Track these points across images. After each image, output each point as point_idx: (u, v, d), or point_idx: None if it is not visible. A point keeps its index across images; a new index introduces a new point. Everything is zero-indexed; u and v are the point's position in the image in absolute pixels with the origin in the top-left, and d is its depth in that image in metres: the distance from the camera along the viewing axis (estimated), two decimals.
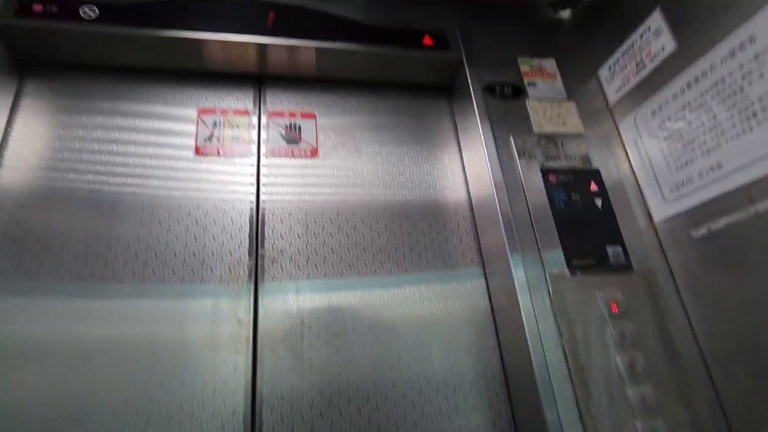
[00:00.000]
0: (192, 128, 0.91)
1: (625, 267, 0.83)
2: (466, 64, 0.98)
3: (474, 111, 0.93)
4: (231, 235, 0.83)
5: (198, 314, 0.77)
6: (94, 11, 0.83)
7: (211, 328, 0.76)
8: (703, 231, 0.78)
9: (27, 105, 0.86)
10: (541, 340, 0.74)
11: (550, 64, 1.04)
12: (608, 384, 0.73)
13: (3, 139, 0.81)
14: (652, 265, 0.84)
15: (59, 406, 0.67)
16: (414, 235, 0.92)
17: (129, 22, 0.84)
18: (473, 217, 0.96)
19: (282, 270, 0.83)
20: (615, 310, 0.78)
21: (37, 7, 0.80)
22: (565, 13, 1.13)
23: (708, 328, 0.78)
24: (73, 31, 0.82)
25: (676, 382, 0.75)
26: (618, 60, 0.98)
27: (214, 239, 0.82)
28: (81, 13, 0.82)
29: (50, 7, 0.81)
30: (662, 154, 0.86)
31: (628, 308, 0.79)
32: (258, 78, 0.99)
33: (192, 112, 0.92)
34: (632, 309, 0.79)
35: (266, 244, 0.84)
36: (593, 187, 0.90)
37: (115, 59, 0.90)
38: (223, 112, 0.94)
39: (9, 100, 0.84)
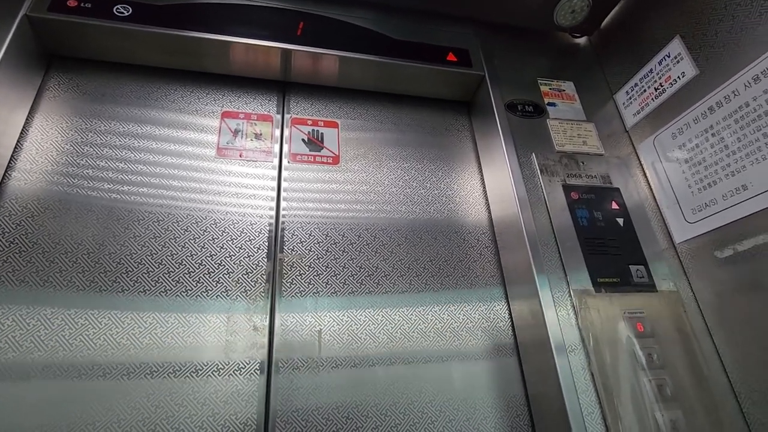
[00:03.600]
0: (215, 131, 0.90)
1: (649, 286, 0.82)
2: (488, 82, 1.00)
3: (497, 127, 0.94)
4: (250, 238, 0.81)
5: (212, 318, 0.73)
6: (127, 9, 0.83)
7: (226, 334, 0.73)
8: (728, 252, 0.78)
9: (48, 102, 0.84)
10: (568, 359, 0.72)
11: (569, 87, 1.06)
12: (638, 408, 0.70)
13: (21, 136, 0.80)
14: (675, 285, 0.83)
15: (65, 415, 0.62)
16: (434, 246, 0.90)
17: (159, 23, 0.85)
18: (493, 233, 0.95)
19: (300, 276, 0.81)
20: (640, 329, 0.77)
21: (72, 2, 0.81)
22: (582, 40, 1.16)
23: (735, 352, 0.76)
24: (104, 28, 0.82)
25: (705, 408, 0.73)
26: (636, 85, 1.01)
27: (232, 242, 0.80)
28: (114, 11, 0.82)
29: (85, 3, 0.81)
30: (683, 176, 0.87)
31: (654, 328, 0.77)
32: (283, 84, 0.99)
33: (216, 115, 0.92)
34: (657, 329, 0.78)
35: (285, 249, 0.82)
36: (614, 205, 0.90)
37: (142, 58, 0.89)
38: (247, 116, 0.93)
39: (32, 95, 0.83)
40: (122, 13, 0.83)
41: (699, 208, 0.83)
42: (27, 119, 0.81)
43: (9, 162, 0.77)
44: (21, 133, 0.80)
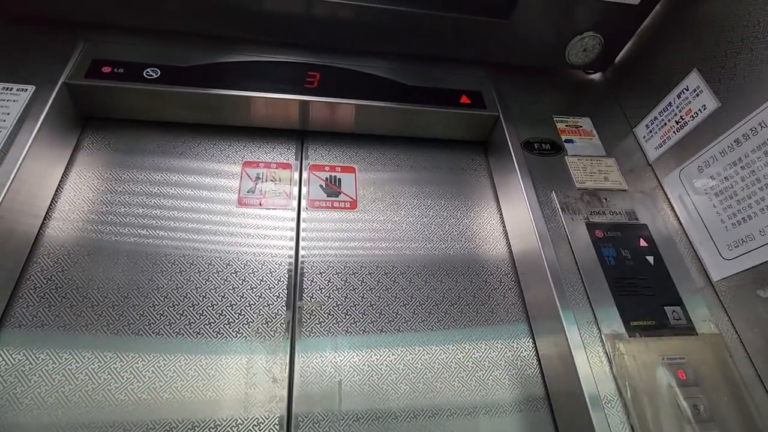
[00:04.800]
0: (236, 180, 0.93)
1: (688, 329, 0.77)
2: (503, 121, 1.00)
3: (514, 166, 0.93)
4: (269, 286, 0.81)
5: (231, 370, 0.73)
6: (156, 72, 0.89)
7: (245, 386, 0.72)
8: None
9: (83, 158, 0.90)
10: (604, 411, 0.67)
11: (585, 123, 1.06)
12: None
13: (57, 190, 0.84)
14: (717, 327, 0.78)
15: None
16: (455, 290, 0.88)
17: (186, 82, 0.90)
18: (516, 272, 0.92)
19: (320, 324, 0.79)
20: (682, 377, 0.71)
21: (106, 69, 0.87)
22: (597, 76, 1.17)
23: None
24: (135, 90, 0.87)
25: None
26: (655, 118, 0.99)
27: (252, 290, 0.81)
28: (144, 74, 0.88)
29: (118, 69, 0.87)
30: (714, 210, 0.83)
31: (698, 376, 0.72)
32: (301, 133, 1.03)
33: (237, 165, 0.95)
34: (702, 377, 0.72)
35: (304, 297, 0.82)
36: (642, 243, 0.87)
37: (169, 115, 0.95)
38: (267, 165, 0.96)
39: (68, 153, 0.88)
40: (152, 75, 0.89)
41: (735, 243, 0.79)
42: (63, 174, 0.86)
43: (46, 213, 0.80)
44: (57, 186, 0.84)
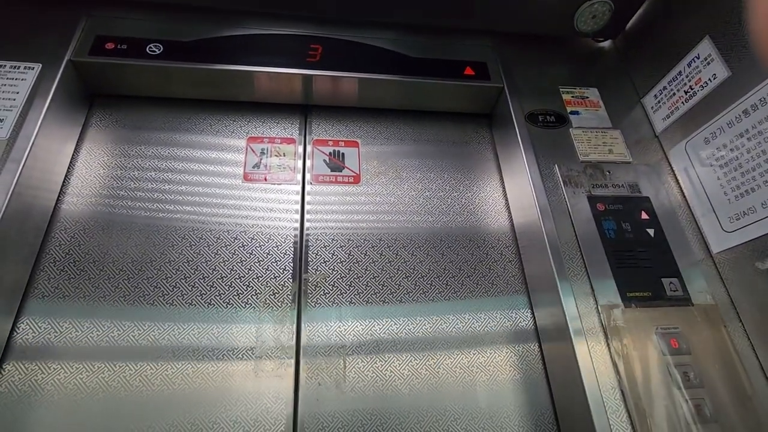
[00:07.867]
0: (241, 156, 0.94)
1: (684, 300, 0.79)
2: (507, 93, 0.99)
3: (517, 139, 0.93)
4: (276, 259, 0.85)
5: (242, 339, 0.77)
6: (158, 48, 0.89)
7: (255, 353, 0.76)
8: None
9: (92, 135, 0.92)
10: (596, 376, 0.70)
11: (592, 93, 1.04)
12: (673, 429, 0.67)
13: (69, 167, 0.87)
14: (713, 298, 0.79)
15: (105, 429, 0.67)
16: (456, 262, 0.90)
17: (188, 58, 0.90)
18: (517, 245, 0.94)
19: (325, 295, 0.83)
20: (675, 345, 0.74)
21: (110, 45, 0.87)
22: (606, 44, 1.13)
23: None
24: (139, 66, 0.88)
25: (748, 429, 0.69)
26: (664, 88, 0.97)
27: (259, 263, 0.84)
28: (147, 49, 0.88)
29: (121, 45, 0.88)
30: (718, 182, 0.83)
31: (690, 344, 0.74)
32: (305, 108, 1.03)
33: (242, 141, 0.96)
34: (694, 345, 0.74)
35: (309, 269, 0.85)
36: (644, 215, 0.87)
37: (174, 91, 0.95)
38: (271, 140, 0.97)
39: (78, 130, 0.90)
40: (154, 51, 0.89)
41: (737, 216, 0.79)
42: (75, 151, 0.89)
43: (61, 189, 0.84)
44: (70, 163, 0.87)
